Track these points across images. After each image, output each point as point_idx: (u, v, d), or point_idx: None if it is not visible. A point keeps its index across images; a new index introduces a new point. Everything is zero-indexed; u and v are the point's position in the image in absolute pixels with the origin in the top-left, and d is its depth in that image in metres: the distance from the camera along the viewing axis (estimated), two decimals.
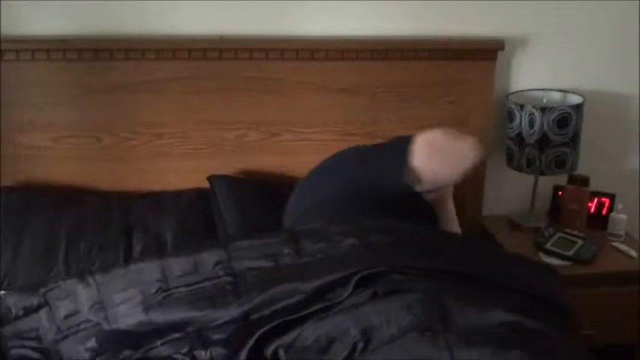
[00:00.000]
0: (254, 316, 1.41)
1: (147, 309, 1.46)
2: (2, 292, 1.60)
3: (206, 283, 1.49)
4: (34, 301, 1.51)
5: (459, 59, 2.27)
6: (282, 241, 1.58)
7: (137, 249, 1.94)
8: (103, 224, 1.99)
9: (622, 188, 2.48)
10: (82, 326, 1.47)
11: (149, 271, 1.51)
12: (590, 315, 2.04)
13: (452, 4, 2.26)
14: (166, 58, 2.11)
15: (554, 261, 2.20)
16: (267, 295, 1.43)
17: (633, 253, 2.27)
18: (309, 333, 1.37)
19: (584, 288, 2.16)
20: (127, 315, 1.46)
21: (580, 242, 2.26)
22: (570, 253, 2.22)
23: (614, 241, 2.34)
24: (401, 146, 1.76)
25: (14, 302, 1.51)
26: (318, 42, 2.20)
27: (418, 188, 1.75)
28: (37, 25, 2.08)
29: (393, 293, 1.41)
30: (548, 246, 2.24)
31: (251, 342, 1.37)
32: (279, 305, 1.41)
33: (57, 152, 2.16)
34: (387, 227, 1.61)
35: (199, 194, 2.14)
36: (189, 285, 1.49)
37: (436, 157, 1.74)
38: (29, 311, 1.50)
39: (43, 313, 1.49)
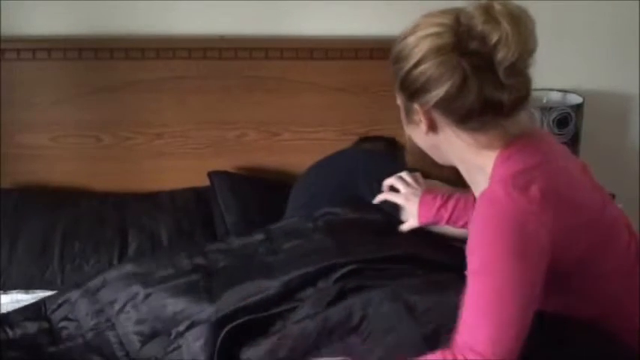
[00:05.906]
0: (220, 315, 1.39)
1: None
2: None
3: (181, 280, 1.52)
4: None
5: None
6: (259, 241, 1.60)
7: (132, 247, 1.94)
8: (99, 223, 1.99)
9: (622, 188, 2.47)
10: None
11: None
12: None
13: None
14: (166, 57, 2.11)
15: None
16: (232, 292, 1.44)
17: None
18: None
19: None
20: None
21: None
22: None
23: None
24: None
25: None
26: (318, 42, 2.20)
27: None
28: (37, 24, 2.09)
29: (358, 290, 1.38)
30: None
31: (218, 343, 1.33)
32: (243, 303, 1.40)
33: (57, 152, 2.16)
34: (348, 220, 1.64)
35: (196, 193, 2.14)
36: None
37: None
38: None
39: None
